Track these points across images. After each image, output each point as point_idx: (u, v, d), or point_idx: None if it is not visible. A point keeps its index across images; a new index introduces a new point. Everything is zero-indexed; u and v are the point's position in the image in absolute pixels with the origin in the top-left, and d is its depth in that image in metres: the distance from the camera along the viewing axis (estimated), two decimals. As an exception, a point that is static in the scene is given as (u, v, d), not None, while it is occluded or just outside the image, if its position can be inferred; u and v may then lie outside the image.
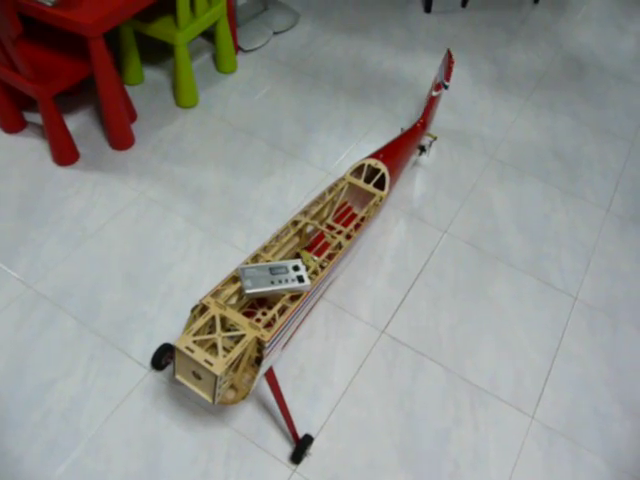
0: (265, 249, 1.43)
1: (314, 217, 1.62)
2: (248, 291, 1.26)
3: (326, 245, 1.62)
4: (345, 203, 1.80)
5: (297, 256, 1.60)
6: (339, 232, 1.58)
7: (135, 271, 1.81)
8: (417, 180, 2.20)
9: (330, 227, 1.68)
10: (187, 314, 1.72)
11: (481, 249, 1.99)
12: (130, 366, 1.59)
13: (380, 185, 1.75)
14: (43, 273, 1.77)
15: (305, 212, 1.59)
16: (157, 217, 1.98)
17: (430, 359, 1.68)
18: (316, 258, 1.57)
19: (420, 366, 1.67)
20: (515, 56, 2.89)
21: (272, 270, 1.31)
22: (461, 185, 2.21)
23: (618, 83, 2.79)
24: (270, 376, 1.33)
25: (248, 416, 1.51)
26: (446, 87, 1.96)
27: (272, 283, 1.29)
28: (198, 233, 1.94)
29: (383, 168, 1.71)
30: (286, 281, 1.30)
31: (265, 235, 1.96)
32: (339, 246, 1.53)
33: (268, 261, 1.40)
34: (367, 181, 1.75)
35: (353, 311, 1.78)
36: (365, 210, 1.65)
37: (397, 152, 1.79)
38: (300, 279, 1.31)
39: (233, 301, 1.34)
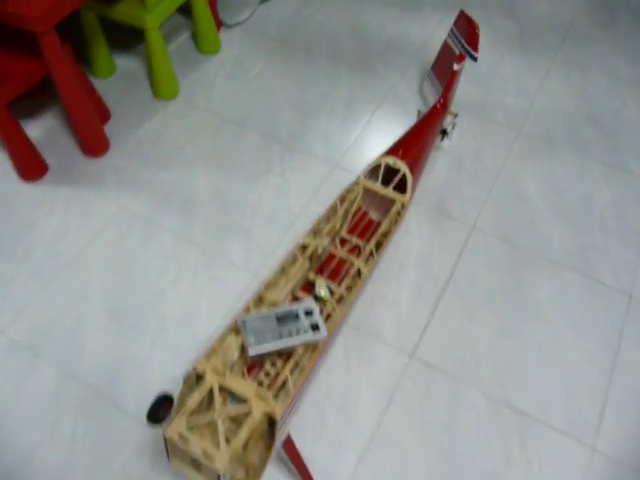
0: (269, 286, 1.18)
1: (326, 234, 1.36)
2: (252, 351, 1.02)
3: (341, 264, 1.37)
4: (360, 208, 1.54)
5: (308, 285, 1.35)
6: (354, 248, 1.33)
7: (121, 304, 1.57)
8: (437, 167, 1.91)
9: (344, 240, 1.42)
10: (184, 351, 1.49)
11: (516, 245, 1.73)
12: (123, 421, 1.37)
13: (401, 187, 1.47)
14: (15, 315, 1.54)
15: (315, 232, 1.33)
16: (142, 235, 1.72)
17: (468, 385, 1.45)
18: (330, 286, 1.31)
19: (457, 394, 1.44)
20: (536, 6, 2.53)
21: (280, 319, 1.06)
22: (487, 168, 1.92)
23: (655, 30, 2.45)
24: (288, 446, 1.10)
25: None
26: (474, 59, 1.65)
27: (281, 336, 1.04)
28: (190, 250, 1.69)
29: (403, 167, 1.43)
30: (298, 332, 1.05)
31: (265, 247, 1.70)
32: (358, 274, 1.28)
33: (274, 304, 1.15)
34: (385, 183, 1.48)
35: (376, 333, 1.54)
36: (387, 222, 1.38)
37: (417, 144, 1.51)
38: (314, 327, 1.07)
39: (235, 355, 1.10)
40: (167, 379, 1.44)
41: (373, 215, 1.55)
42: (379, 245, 1.37)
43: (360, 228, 1.49)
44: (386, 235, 1.38)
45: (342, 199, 1.44)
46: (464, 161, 1.94)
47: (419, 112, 1.86)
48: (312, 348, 1.09)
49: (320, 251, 1.38)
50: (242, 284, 1.62)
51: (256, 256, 1.68)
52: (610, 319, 1.58)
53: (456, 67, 1.69)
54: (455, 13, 2.39)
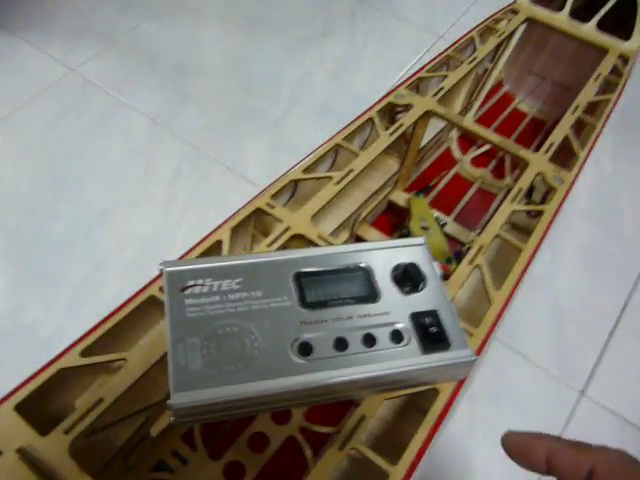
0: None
1: (438, 103, 0.58)
2: (177, 402, 0.26)
3: (463, 185, 0.59)
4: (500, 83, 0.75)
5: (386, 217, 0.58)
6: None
7: (28, 227, 0.84)
8: None
9: (470, 138, 0.64)
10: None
11: None
12: None
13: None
14: None
15: (414, 85, 0.56)
16: (96, 114, 0.98)
17: None
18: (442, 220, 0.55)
19: None
20: None
21: (317, 302, 0.31)
22: None
23: None
24: None
25: None
26: None
27: (343, 361, 0.29)
28: (174, 148, 0.94)
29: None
30: (375, 343, 0.30)
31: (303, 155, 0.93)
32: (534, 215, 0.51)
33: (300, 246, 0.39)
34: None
35: (524, 350, 0.74)
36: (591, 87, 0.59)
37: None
38: (434, 334, 0.30)
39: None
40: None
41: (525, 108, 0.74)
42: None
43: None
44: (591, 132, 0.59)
45: (480, 32, 0.66)
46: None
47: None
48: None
49: (427, 142, 0.60)
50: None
51: (286, 168, 0.91)
52: None
53: None
54: None
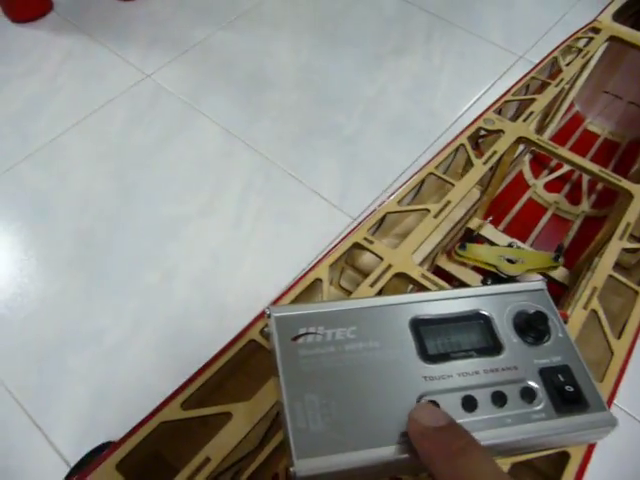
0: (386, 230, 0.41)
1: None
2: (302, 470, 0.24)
3: (537, 211, 0.59)
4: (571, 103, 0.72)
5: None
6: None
7: (100, 231, 0.84)
8: None
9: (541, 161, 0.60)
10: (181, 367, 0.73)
11: None
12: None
13: None
14: None
15: (498, 108, 0.53)
16: (170, 121, 0.99)
17: None
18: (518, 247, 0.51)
19: None
20: None
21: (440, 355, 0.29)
22: None
23: None
24: None
25: None
26: None
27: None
28: (244, 156, 0.93)
29: None
30: (504, 404, 0.27)
31: (382, 176, 0.91)
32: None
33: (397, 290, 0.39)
34: None
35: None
36: None
37: None
38: (575, 399, 0.28)
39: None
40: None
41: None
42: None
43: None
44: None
45: (563, 52, 0.63)
46: None
47: None
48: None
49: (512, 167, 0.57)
50: (329, 230, 0.84)
51: (359, 186, 0.89)
52: None
53: None
54: None
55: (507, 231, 0.78)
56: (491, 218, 0.74)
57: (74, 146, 0.94)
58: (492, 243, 0.69)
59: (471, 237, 0.67)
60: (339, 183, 0.90)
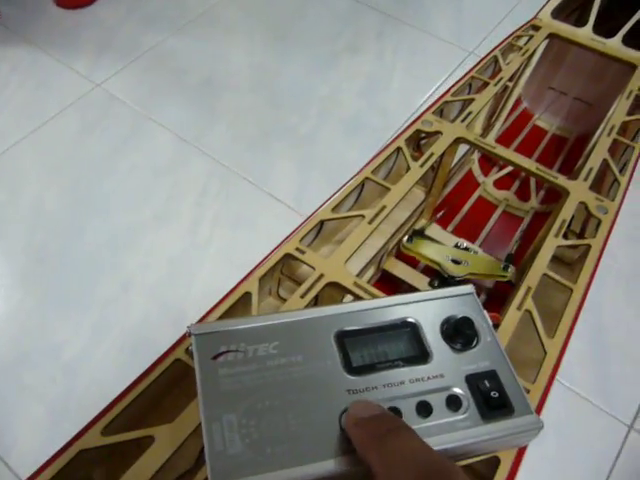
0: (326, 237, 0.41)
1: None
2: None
3: (487, 208, 0.58)
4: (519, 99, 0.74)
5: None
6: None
7: (53, 244, 0.83)
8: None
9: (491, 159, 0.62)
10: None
11: None
12: None
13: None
14: None
15: (438, 109, 0.54)
16: (121, 130, 0.98)
17: None
18: (472, 250, 0.52)
19: None
20: None
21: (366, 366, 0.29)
22: None
23: None
24: None
25: None
26: None
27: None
28: (202, 164, 0.93)
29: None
30: (430, 412, 0.27)
31: (336, 173, 0.91)
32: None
33: (332, 298, 0.38)
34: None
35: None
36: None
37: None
38: (500, 404, 0.28)
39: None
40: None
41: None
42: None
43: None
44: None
45: (503, 52, 0.64)
46: None
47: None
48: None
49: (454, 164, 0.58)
50: (286, 233, 0.84)
51: (316, 187, 0.89)
52: None
53: None
54: None
55: (458, 229, 0.80)
56: (438, 217, 0.75)
57: (24, 159, 0.93)
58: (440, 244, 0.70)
59: (421, 232, 0.67)
60: (295, 185, 0.91)
